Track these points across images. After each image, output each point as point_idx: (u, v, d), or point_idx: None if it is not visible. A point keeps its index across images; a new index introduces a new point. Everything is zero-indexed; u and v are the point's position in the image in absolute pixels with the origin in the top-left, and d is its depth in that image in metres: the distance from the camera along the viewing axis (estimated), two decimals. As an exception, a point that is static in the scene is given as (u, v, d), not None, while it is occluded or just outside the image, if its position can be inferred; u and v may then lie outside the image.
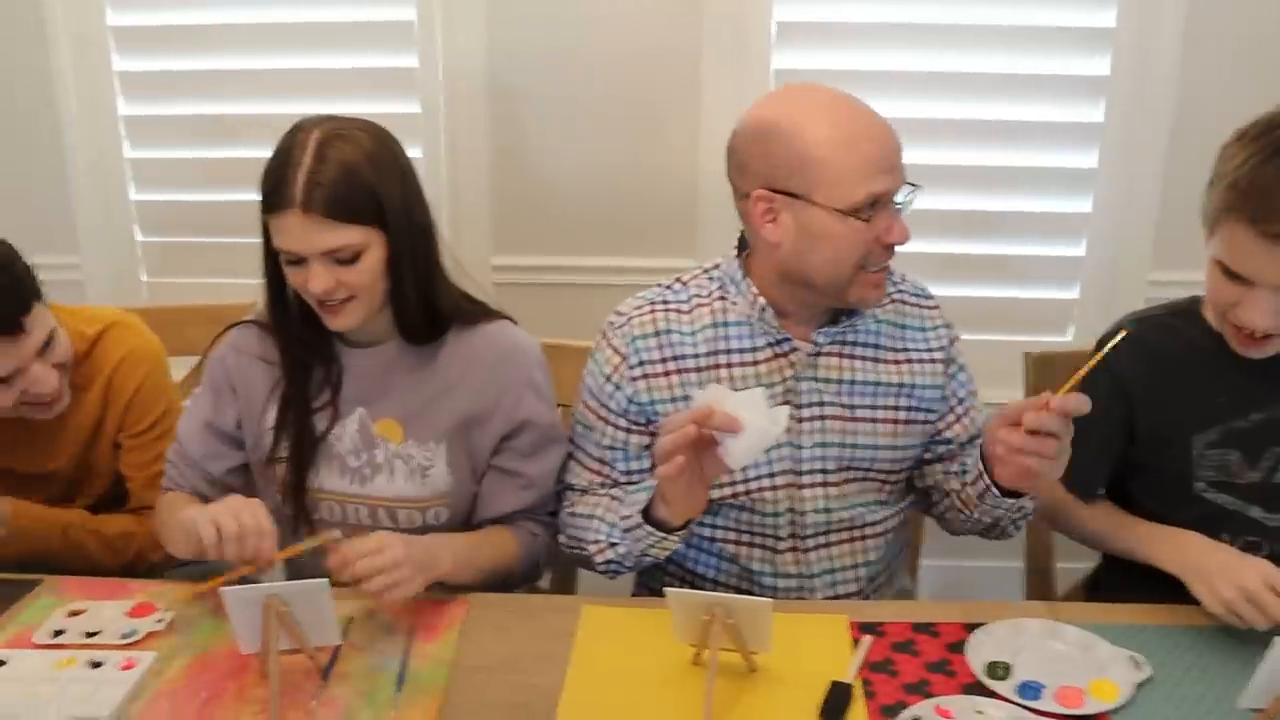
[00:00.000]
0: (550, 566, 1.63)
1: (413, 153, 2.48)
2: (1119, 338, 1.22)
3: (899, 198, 1.38)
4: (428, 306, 1.44)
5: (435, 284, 1.45)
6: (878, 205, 1.35)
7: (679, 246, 2.53)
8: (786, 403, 1.43)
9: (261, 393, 1.49)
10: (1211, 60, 2.37)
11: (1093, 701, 1.16)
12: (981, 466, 1.33)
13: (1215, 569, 1.28)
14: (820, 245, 1.36)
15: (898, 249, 1.41)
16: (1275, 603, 1.22)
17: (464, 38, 2.46)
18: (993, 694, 1.18)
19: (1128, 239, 2.47)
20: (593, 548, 1.44)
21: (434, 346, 1.47)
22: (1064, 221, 2.50)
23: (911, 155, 2.52)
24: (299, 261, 1.35)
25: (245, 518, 1.23)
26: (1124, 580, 1.50)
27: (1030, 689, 1.18)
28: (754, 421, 1.17)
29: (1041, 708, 1.15)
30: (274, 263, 1.41)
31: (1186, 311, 1.49)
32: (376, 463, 1.45)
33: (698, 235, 2.52)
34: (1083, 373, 1.21)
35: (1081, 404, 1.17)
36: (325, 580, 1.19)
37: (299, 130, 1.37)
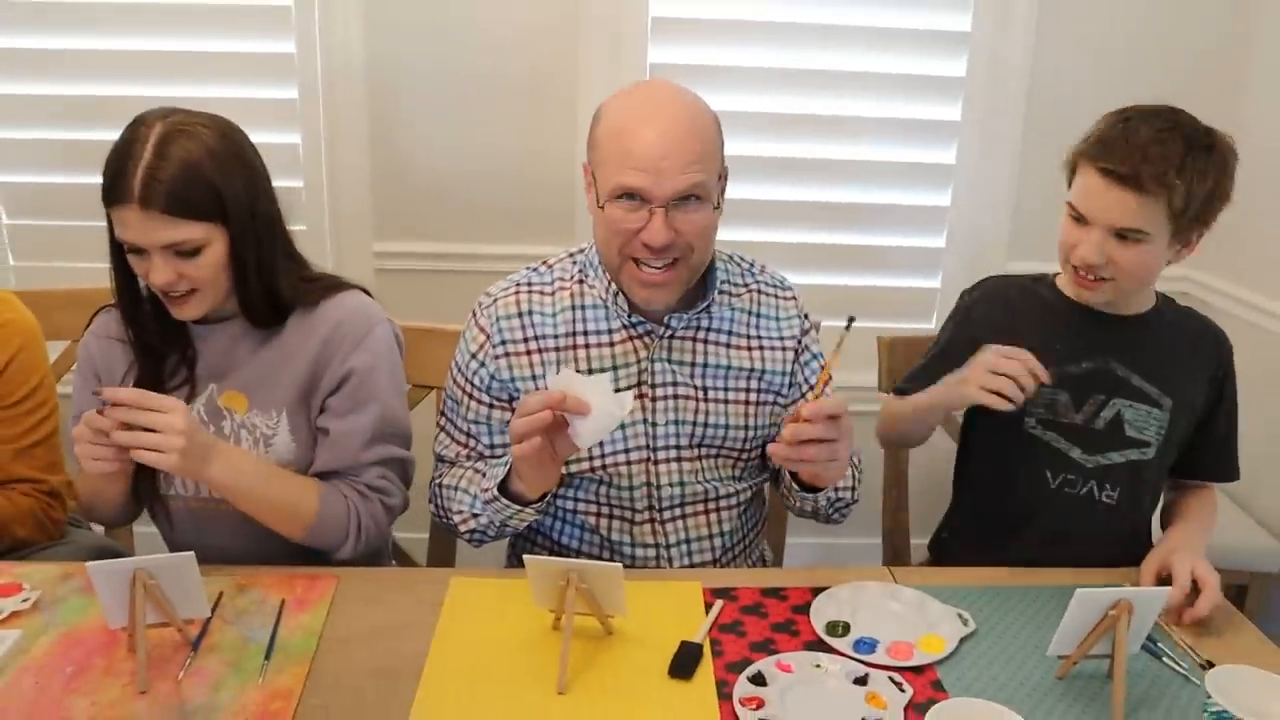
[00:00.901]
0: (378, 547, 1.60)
1: (290, 139, 2.55)
2: (846, 336, 1.30)
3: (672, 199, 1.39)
4: (270, 293, 1.46)
5: (278, 272, 1.46)
6: (637, 200, 1.38)
7: (557, 234, 2.59)
8: (640, 383, 1.50)
9: (119, 373, 1.50)
10: (1060, 63, 2.54)
11: (921, 654, 1.26)
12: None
13: (963, 376, 1.45)
14: (596, 223, 1.46)
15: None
16: (1013, 364, 1.39)
17: (342, 23, 2.47)
18: (832, 650, 1.27)
19: (985, 231, 2.62)
20: (457, 518, 1.49)
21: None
22: (925, 214, 2.63)
23: (780, 149, 2.64)
24: (141, 252, 1.37)
25: (85, 434, 1.28)
26: (960, 537, 1.73)
27: (865, 644, 1.28)
28: (601, 405, 1.25)
29: (875, 660, 1.25)
30: (120, 251, 1.42)
31: (1041, 279, 1.67)
32: (224, 434, 1.48)
33: (576, 223, 2.58)
34: (825, 374, 1.37)
35: (833, 406, 1.28)
36: (191, 553, 1.22)
37: (140, 124, 1.37)
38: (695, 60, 2.49)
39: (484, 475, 1.47)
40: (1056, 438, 1.56)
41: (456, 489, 1.51)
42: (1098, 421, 1.56)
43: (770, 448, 1.32)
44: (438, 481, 1.56)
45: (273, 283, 1.45)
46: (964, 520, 1.76)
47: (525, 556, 1.25)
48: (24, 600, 1.32)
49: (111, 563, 1.18)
